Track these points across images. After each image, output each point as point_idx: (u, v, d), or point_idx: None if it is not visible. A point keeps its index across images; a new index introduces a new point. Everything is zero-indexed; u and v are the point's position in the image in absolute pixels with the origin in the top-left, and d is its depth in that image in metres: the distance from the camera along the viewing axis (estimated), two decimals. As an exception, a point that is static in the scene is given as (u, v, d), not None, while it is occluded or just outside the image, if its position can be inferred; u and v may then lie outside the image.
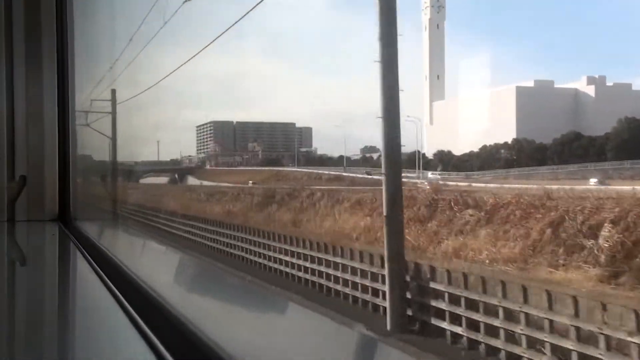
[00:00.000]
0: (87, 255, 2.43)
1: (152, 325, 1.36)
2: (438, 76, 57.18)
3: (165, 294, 1.52)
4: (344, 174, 50.33)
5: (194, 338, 1.18)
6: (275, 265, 21.30)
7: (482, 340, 11.97)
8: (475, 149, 46.18)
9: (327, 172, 51.49)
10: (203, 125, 74.96)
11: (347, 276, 16.61)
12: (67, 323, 1.71)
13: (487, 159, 44.06)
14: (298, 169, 56.49)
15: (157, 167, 61.18)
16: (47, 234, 3.47)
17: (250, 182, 50.06)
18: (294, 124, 74.39)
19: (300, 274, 19.44)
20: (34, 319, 1.67)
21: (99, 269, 2.12)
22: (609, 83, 42.42)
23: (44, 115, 3.64)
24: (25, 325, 1.64)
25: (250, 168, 64.04)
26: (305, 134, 73.68)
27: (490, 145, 44.88)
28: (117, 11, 5.93)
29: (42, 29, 3.60)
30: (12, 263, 2.70)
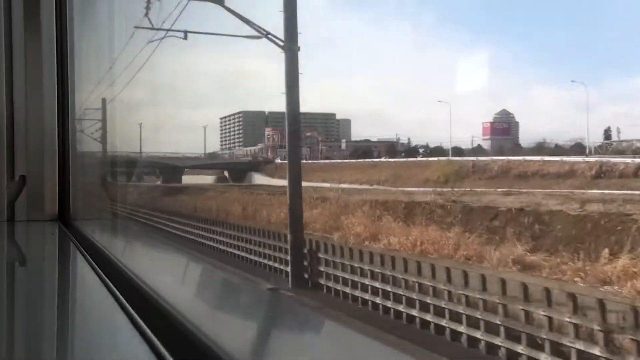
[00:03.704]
0: (87, 255, 2.42)
1: (152, 326, 1.35)
2: None
3: (166, 294, 1.51)
4: None
5: (194, 338, 1.17)
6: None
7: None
8: None
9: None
10: (229, 116, 68.58)
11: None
12: (67, 323, 1.70)
13: None
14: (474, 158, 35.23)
15: (196, 163, 49.00)
16: (47, 234, 3.46)
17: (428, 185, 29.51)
18: (334, 115, 68.46)
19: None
20: (33, 319, 1.66)
21: (98, 269, 2.11)
22: None
23: (44, 115, 3.63)
24: (24, 326, 1.63)
25: (352, 161, 46.21)
26: (343, 125, 68.78)
27: None
28: (117, 10, 5.93)
29: (41, 27, 3.59)
30: (11, 263, 2.69)
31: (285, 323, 1.48)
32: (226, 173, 50.47)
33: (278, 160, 51.20)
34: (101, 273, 2.04)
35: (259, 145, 60.94)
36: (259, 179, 45.22)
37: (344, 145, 59.04)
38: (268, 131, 61.58)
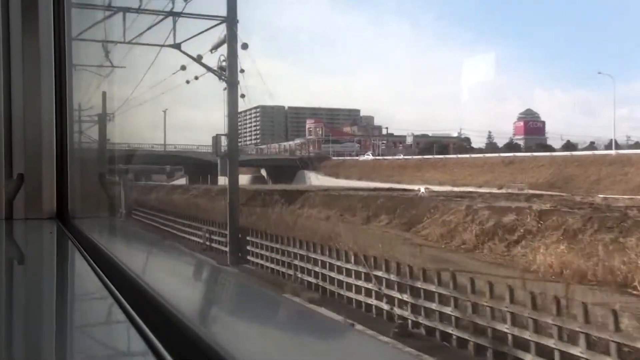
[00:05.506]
0: (85, 254, 2.41)
1: (151, 325, 1.35)
2: None
3: (165, 293, 1.50)
4: None
5: (194, 338, 1.16)
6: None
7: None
8: None
9: None
10: (245, 111, 64.62)
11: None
12: (65, 322, 1.70)
13: None
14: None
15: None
16: (45, 232, 3.45)
17: None
18: (358, 111, 66.27)
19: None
20: (32, 318, 1.66)
21: (97, 268, 2.11)
22: None
23: (42, 113, 3.62)
24: (23, 324, 1.63)
25: (460, 156, 35.53)
26: (366, 121, 66.66)
27: None
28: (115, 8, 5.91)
29: (39, 25, 3.57)
30: (9, 261, 2.68)
31: (285, 322, 1.48)
32: (263, 171, 42.30)
33: (364, 157, 41.29)
34: (100, 271, 2.03)
35: (298, 140, 53.78)
36: (317, 179, 35.95)
37: (409, 140, 51.51)
38: (310, 123, 55.03)
